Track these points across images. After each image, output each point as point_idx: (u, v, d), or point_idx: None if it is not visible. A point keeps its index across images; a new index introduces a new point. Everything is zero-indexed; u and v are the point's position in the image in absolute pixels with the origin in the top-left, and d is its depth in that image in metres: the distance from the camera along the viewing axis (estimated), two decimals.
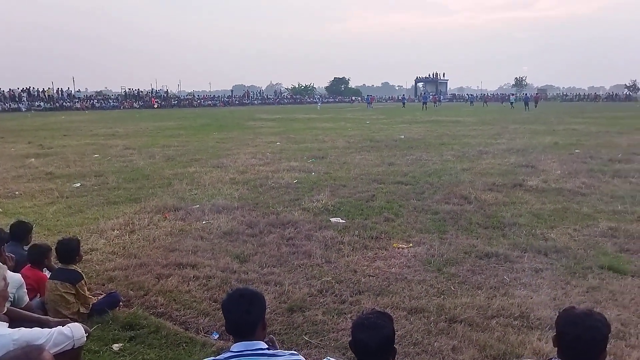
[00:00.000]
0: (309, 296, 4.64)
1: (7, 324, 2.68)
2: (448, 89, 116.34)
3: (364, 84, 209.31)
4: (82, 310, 4.09)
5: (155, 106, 66.40)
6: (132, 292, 4.76)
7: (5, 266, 3.01)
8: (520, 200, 8.37)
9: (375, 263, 5.51)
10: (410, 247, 6.02)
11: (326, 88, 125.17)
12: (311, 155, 14.17)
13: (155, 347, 3.76)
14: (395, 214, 7.51)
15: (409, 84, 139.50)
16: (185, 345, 3.79)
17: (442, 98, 79.21)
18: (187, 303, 4.52)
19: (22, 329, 2.65)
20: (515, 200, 8.32)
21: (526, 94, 65.25)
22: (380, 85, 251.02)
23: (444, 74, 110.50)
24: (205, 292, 4.75)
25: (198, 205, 8.09)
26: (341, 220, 7.17)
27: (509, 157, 13.43)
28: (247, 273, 5.21)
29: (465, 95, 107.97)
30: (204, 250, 5.95)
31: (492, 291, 4.76)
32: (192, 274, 5.14)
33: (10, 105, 57.74)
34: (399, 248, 5.98)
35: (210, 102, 78.88)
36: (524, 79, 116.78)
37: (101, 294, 4.54)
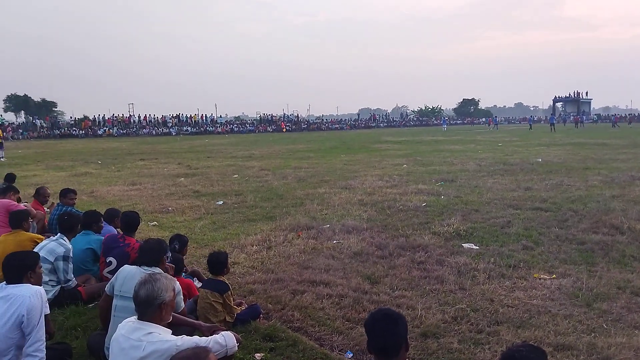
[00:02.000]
0: (443, 322, 4.53)
1: (171, 330, 2.98)
2: (592, 108, 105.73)
3: (494, 105, 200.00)
4: (227, 319, 4.42)
5: (284, 130, 69.94)
6: (270, 305, 5.03)
7: (175, 278, 3.36)
8: None
9: (514, 293, 5.20)
10: (554, 278, 5.59)
11: (454, 110, 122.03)
12: (440, 178, 13.86)
13: None
14: (535, 242, 7.04)
15: (545, 104, 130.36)
16: None
17: (584, 119, 72.35)
18: (321, 320, 4.66)
19: (184, 336, 2.93)
20: None
21: None
22: (513, 105, 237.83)
23: (586, 92, 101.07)
24: (338, 311, 4.86)
25: (328, 225, 8.33)
26: (474, 247, 6.90)
27: None
28: (379, 295, 5.23)
29: (610, 115, 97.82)
30: (336, 269, 6.10)
31: None
32: (325, 292, 5.29)
33: (162, 130, 64.95)
34: (540, 278, 5.59)
35: (337, 126, 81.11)
36: None
37: (241, 302, 4.87)
